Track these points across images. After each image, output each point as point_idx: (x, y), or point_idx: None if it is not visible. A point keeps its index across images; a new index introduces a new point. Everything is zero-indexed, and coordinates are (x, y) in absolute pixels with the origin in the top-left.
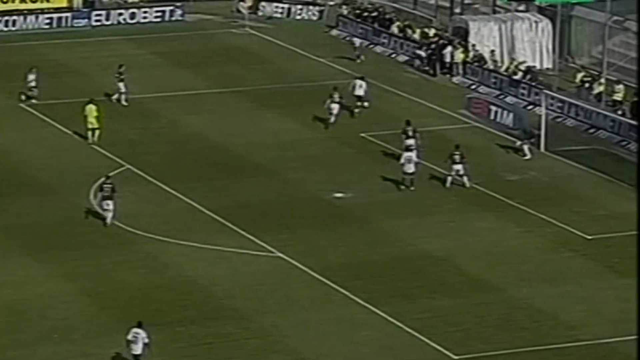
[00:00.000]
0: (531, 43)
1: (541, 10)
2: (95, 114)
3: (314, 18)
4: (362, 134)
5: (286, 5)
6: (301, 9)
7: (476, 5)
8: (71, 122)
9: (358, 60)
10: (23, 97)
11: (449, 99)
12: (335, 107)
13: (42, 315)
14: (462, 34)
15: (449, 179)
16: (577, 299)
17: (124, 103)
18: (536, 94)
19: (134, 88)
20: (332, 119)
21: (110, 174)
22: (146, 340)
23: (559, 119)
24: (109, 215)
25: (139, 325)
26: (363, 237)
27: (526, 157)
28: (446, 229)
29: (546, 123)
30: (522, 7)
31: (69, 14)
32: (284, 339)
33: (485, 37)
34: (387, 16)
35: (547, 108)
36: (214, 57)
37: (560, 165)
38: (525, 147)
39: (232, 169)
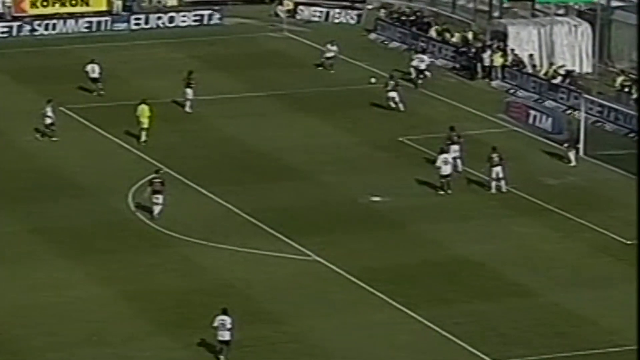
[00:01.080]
0: (570, 47)
1: (580, 14)
2: (147, 114)
3: (352, 22)
4: (400, 138)
5: (324, 9)
6: (339, 13)
7: (515, 9)
8: (110, 126)
9: (419, 82)
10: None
11: (487, 103)
12: (394, 95)
13: (80, 318)
14: (501, 38)
15: (493, 184)
16: (616, 304)
17: (187, 110)
18: (575, 98)
19: (172, 92)
20: (400, 106)
21: (160, 170)
22: (229, 326)
23: (598, 124)
24: (158, 208)
25: (224, 312)
26: (400, 241)
27: (571, 164)
28: (484, 233)
29: (585, 127)
30: (561, 11)
31: (108, 18)
32: (321, 342)
33: (524, 41)
34: (425, 20)
35: (586, 112)
36: (252, 61)
37: (599, 170)
38: (571, 154)
39: (269, 173)
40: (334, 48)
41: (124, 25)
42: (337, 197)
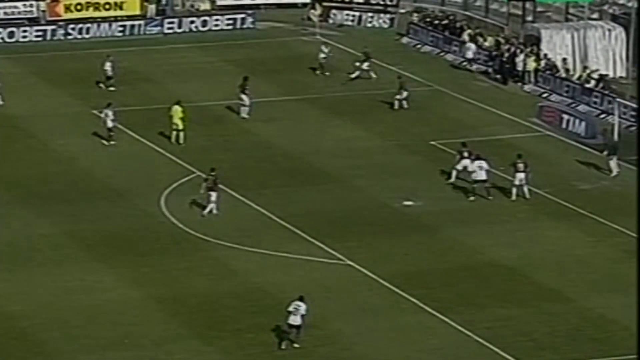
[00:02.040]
0: (604, 51)
1: (615, 18)
2: (180, 115)
3: (385, 26)
4: (432, 142)
5: (357, 13)
6: (372, 17)
7: (548, 14)
8: (142, 129)
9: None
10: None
11: (520, 107)
12: (403, 93)
13: (112, 321)
14: (534, 42)
15: (514, 190)
16: None
17: (244, 115)
18: (609, 102)
19: (205, 95)
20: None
21: (214, 169)
22: (304, 313)
23: (632, 128)
24: (211, 206)
25: (301, 299)
26: (432, 245)
27: (612, 174)
28: (516, 238)
29: (619, 132)
30: (595, 15)
31: (141, 22)
32: (352, 346)
33: (557, 45)
34: (458, 24)
35: (620, 117)
36: (285, 65)
37: (633, 175)
38: (612, 163)
39: (301, 176)
40: (326, 50)
41: (157, 29)
42: (369, 201)
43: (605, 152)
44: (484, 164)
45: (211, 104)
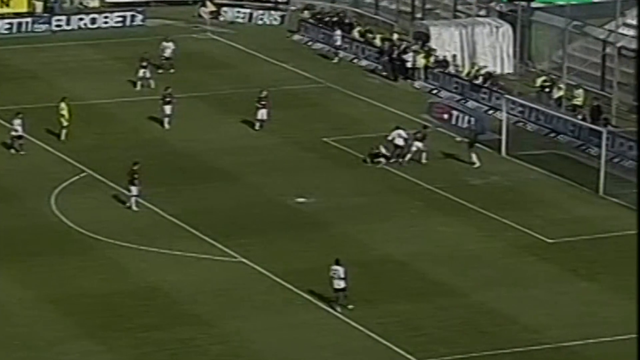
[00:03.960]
0: (492, 48)
1: (501, 15)
2: (66, 112)
3: (276, 23)
4: (325, 139)
5: (248, 10)
6: (263, 14)
7: (437, 11)
8: (32, 128)
9: (335, 60)
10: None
11: (410, 103)
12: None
13: (3, 322)
14: (424, 39)
15: (408, 156)
16: (539, 302)
17: (166, 126)
18: (497, 98)
19: (95, 93)
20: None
21: (137, 163)
22: (343, 275)
23: (520, 124)
24: (132, 200)
25: (337, 263)
26: (325, 241)
27: (476, 165)
28: (408, 234)
29: (507, 127)
30: (482, 12)
31: (29, 19)
32: (247, 344)
33: (446, 42)
34: (348, 21)
35: (507, 112)
36: (175, 62)
37: (521, 170)
38: (473, 155)
39: (194, 174)
40: (170, 44)
41: (45, 27)
42: (262, 199)
43: (466, 144)
44: (402, 132)
45: (102, 102)
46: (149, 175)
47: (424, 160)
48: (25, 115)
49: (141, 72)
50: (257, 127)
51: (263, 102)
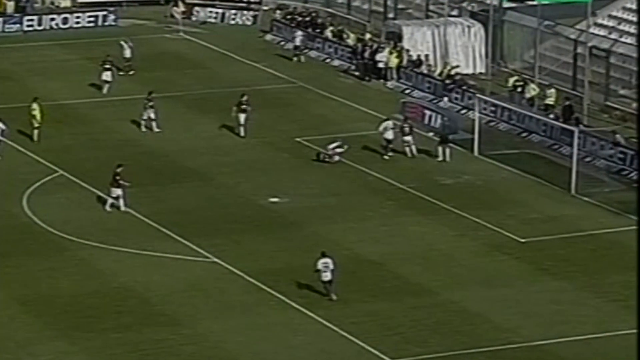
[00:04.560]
0: (464, 48)
1: (473, 15)
2: (39, 112)
3: (248, 23)
4: (297, 139)
5: (220, 10)
6: (235, 14)
7: (409, 10)
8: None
9: (295, 59)
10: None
11: (383, 103)
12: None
13: None
14: (396, 39)
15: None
16: (511, 301)
17: (156, 129)
18: (469, 98)
19: (66, 93)
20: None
21: (121, 165)
22: (332, 267)
23: (492, 123)
24: (110, 201)
25: (325, 255)
26: (298, 241)
27: (439, 159)
28: (381, 233)
29: (479, 127)
30: (455, 12)
31: (0, 19)
32: (220, 344)
33: (418, 41)
34: (320, 21)
35: (480, 112)
36: (148, 62)
37: (494, 169)
38: (439, 148)
39: (167, 175)
40: (130, 44)
41: (16, 27)
42: (235, 199)
43: (438, 139)
44: (390, 123)
45: (74, 102)
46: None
47: (415, 153)
48: None
49: (104, 75)
50: (242, 134)
51: (243, 106)
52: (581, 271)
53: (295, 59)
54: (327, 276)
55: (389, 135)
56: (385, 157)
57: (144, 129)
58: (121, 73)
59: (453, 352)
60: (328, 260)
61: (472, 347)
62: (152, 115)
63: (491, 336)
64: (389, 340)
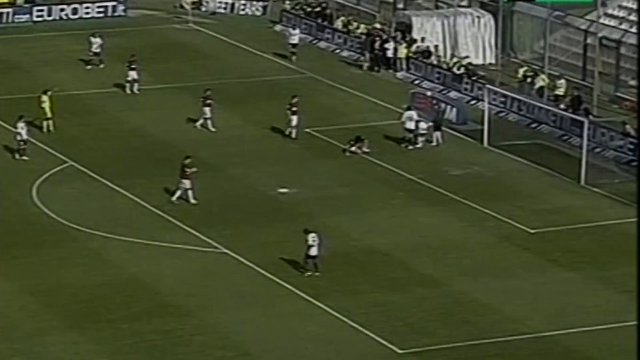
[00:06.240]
0: (474, 38)
1: (483, 5)
2: (48, 103)
3: (258, 13)
4: (307, 129)
5: (230, 1)
6: (245, 4)
7: (419, 1)
8: (13, 119)
9: (294, 58)
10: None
11: (393, 94)
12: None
13: None
14: (405, 30)
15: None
16: (520, 292)
17: (211, 129)
18: (479, 89)
19: (76, 84)
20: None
21: (189, 157)
22: (318, 241)
23: (502, 114)
24: (179, 193)
25: (309, 231)
26: None
27: (433, 144)
28: (390, 224)
29: (489, 118)
30: (464, 3)
31: (10, 10)
32: (229, 335)
33: (428, 32)
34: (329, 11)
35: (489, 103)
36: (157, 53)
37: (503, 160)
38: (436, 134)
39: (176, 165)
40: (98, 40)
41: (26, 17)
42: (244, 190)
43: (431, 124)
44: (414, 114)
45: (83, 93)
46: (131, 166)
47: (440, 141)
48: (7, 106)
49: (130, 75)
50: (293, 136)
51: (294, 108)
52: (590, 262)
53: (294, 57)
54: (314, 251)
55: (411, 125)
56: (410, 147)
57: (199, 128)
58: (89, 67)
59: (462, 343)
60: (315, 234)
61: (481, 337)
62: (209, 114)
63: (500, 327)
64: (399, 331)
